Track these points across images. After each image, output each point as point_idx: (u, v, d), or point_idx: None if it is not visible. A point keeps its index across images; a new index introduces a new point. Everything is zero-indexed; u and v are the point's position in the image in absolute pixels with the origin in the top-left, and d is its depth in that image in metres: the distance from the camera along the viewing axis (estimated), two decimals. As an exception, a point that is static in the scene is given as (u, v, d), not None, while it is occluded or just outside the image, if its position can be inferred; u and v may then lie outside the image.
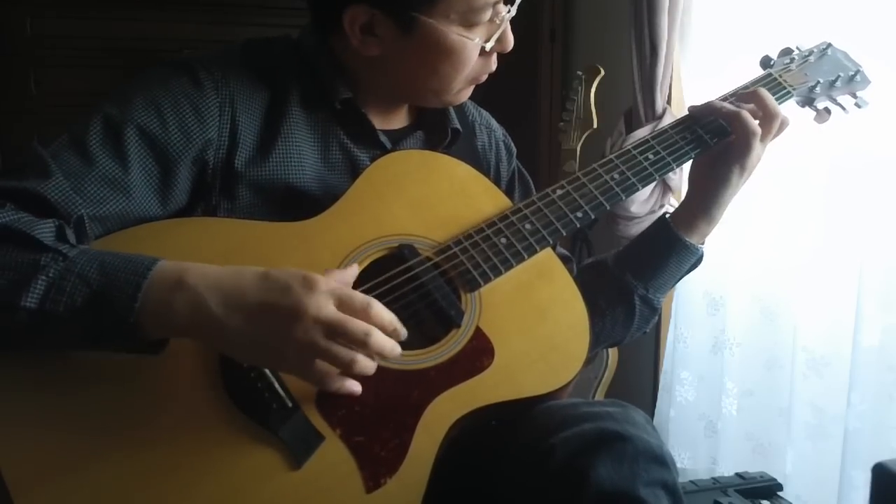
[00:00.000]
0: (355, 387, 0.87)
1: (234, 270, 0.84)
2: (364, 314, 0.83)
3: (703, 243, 1.17)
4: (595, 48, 2.56)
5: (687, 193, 1.18)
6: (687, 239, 1.15)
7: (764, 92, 1.14)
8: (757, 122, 1.12)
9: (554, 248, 1.10)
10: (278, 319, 0.80)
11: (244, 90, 1.04)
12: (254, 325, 0.81)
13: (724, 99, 1.17)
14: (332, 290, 0.82)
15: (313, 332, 0.80)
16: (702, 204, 1.15)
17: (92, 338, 0.82)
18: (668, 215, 1.18)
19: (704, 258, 1.19)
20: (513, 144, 1.32)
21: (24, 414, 0.84)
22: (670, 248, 1.15)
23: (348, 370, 0.83)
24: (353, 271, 0.91)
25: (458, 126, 1.17)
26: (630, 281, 1.16)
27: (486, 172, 1.24)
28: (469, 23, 1.02)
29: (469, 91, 1.13)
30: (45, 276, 0.81)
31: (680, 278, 1.20)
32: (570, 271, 1.24)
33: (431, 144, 1.16)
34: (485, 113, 1.30)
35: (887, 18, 1.53)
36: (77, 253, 0.85)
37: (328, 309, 0.81)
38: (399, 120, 1.17)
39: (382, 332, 0.84)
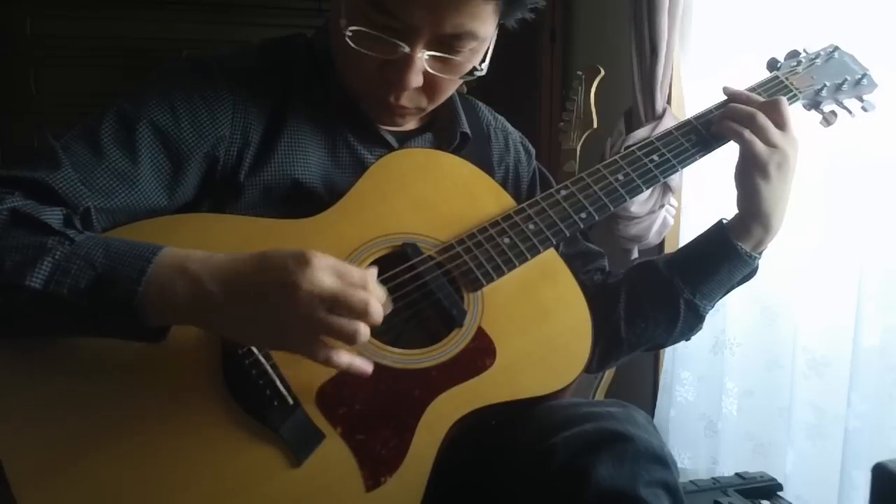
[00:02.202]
0: (366, 366, 0.86)
1: (234, 255, 0.84)
2: (363, 288, 0.82)
3: (760, 253, 1.14)
4: (595, 48, 2.57)
5: (736, 200, 1.15)
6: (741, 245, 1.12)
7: (733, 107, 1.13)
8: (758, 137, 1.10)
9: (557, 249, 1.09)
10: (278, 297, 0.79)
11: (258, 89, 1.04)
12: (255, 305, 0.81)
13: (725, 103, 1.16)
14: (330, 264, 0.81)
15: (314, 307, 0.79)
16: (748, 211, 1.12)
17: (94, 322, 0.83)
18: (724, 221, 1.15)
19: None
20: (531, 146, 1.31)
21: (25, 408, 0.84)
22: (723, 255, 1.13)
23: (351, 341, 0.81)
24: (373, 272, 0.89)
25: (468, 131, 1.17)
26: (678, 284, 1.14)
27: (503, 176, 1.24)
28: None
29: (387, 114, 1.09)
30: (51, 258, 0.82)
31: (730, 289, 1.17)
32: (602, 267, 1.23)
33: (439, 146, 1.16)
34: (500, 118, 1.30)
35: (886, 19, 1.53)
36: (83, 238, 0.85)
37: (327, 282, 0.80)
38: (409, 122, 1.17)
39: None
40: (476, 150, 1.19)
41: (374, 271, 0.86)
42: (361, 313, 0.81)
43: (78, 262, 0.82)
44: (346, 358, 0.84)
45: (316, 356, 0.83)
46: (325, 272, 0.80)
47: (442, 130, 1.17)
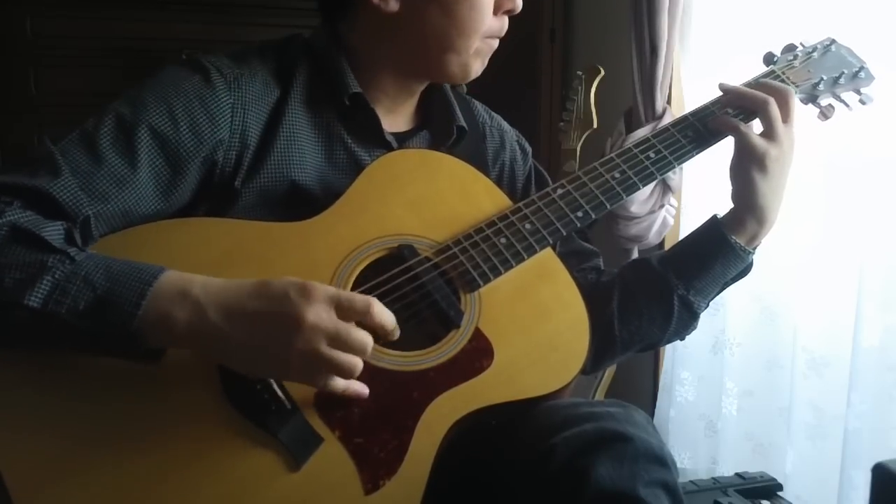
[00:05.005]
0: (363, 389, 0.88)
1: (236, 283, 0.84)
2: (367, 316, 0.84)
3: (754, 248, 1.14)
4: (595, 48, 2.56)
5: (731, 194, 1.15)
6: (735, 239, 1.12)
7: (742, 91, 1.15)
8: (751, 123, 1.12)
9: (554, 248, 1.09)
10: (278, 330, 0.81)
11: (256, 91, 1.04)
12: (254, 336, 0.82)
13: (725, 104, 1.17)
14: (331, 296, 0.83)
15: (314, 342, 0.81)
16: (743, 204, 1.12)
17: (92, 342, 0.83)
18: (718, 216, 1.15)
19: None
20: (527, 144, 1.31)
21: (26, 418, 0.84)
22: (717, 249, 1.13)
23: (349, 376, 0.84)
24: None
25: (464, 124, 1.17)
26: (671, 279, 1.14)
27: (498, 174, 1.24)
28: None
29: (481, 64, 1.11)
30: (51, 277, 0.82)
31: (725, 286, 1.17)
32: (597, 266, 1.23)
33: (436, 143, 1.16)
34: (496, 116, 1.30)
35: (886, 18, 1.53)
36: (84, 257, 0.85)
37: (328, 318, 0.82)
38: (404, 122, 1.17)
39: (382, 332, 0.87)
40: (471, 148, 1.19)
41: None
42: (360, 351, 0.83)
43: (77, 283, 0.82)
44: (342, 384, 0.86)
45: (315, 384, 0.85)
46: (328, 305, 0.82)
47: (438, 127, 1.17)
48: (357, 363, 0.84)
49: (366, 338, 0.84)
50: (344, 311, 0.83)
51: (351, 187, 1.04)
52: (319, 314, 0.81)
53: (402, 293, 0.98)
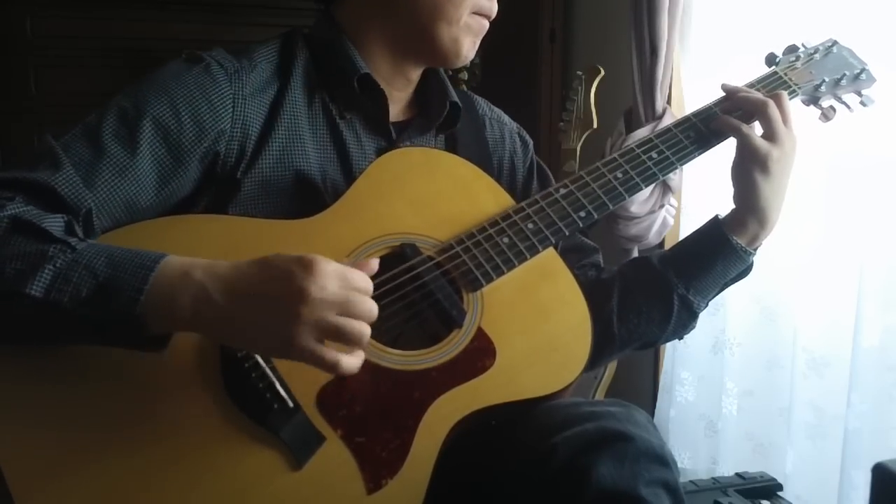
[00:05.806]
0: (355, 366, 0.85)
1: (237, 263, 0.84)
2: (366, 293, 0.84)
3: (755, 249, 1.15)
4: (595, 48, 2.56)
5: (733, 195, 1.15)
6: (736, 240, 1.12)
7: (742, 93, 1.15)
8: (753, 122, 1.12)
9: (556, 248, 1.09)
10: (284, 305, 0.80)
11: (256, 82, 1.05)
12: (259, 313, 0.81)
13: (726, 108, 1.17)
14: (335, 269, 0.82)
15: (320, 312, 0.80)
16: (745, 205, 1.12)
17: (95, 330, 0.82)
18: (719, 216, 1.15)
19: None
20: (528, 136, 1.31)
21: (26, 413, 0.84)
22: (718, 250, 1.13)
23: (358, 344, 0.82)
24: (374, 264, 0.90)
25: (457, 101, 1.16)
26: (671, 278, 1.14)
27: (497, 165, 1.24)
28: None
29: (472, 42, 1.11)
30: (52, 266, 0.82)
31: (725, 286, 1.17)
32: (597, 262, 1.24)
33: (430, 122, 1.16)
34: (497, 109, 1.30)
35: (886, 19, 1.53)
36: (85, 245, 0.85)
37: (332, 288, 0.81)
38: (401, 112, 1.17)
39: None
40: (470, 135, 1.20)
41: (375, 263, 0.87)
42: (368, 318, 0.83)
43: (79, 271, 0.82)
44: (345, 359, 0.82)
45: (319, 363, 0.81)
46: (331, 277, 0.81)
47: (431, 109, 1.17)
48: (365, 330, 0.82)
49: (372, 304, 0.83)
50: (347, 284, 0.82)
51: (352, 186, 1.04)
52: (324, 285, 0.80)
53: (404, 292, 0.98)
